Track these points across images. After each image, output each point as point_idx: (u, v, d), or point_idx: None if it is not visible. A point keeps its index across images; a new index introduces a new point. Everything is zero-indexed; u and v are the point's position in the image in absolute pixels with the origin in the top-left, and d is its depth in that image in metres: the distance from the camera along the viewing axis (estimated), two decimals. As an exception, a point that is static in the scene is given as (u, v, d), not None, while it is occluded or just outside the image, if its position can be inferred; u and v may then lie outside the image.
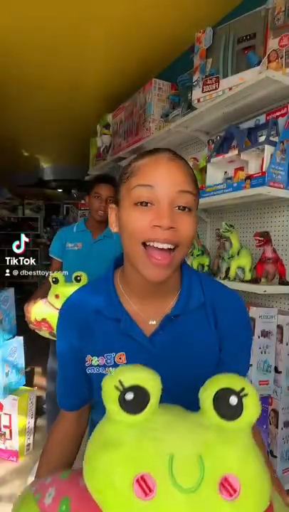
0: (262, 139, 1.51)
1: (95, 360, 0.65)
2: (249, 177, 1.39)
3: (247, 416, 0.39)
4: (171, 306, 0.66)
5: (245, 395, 0.40)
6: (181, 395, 0.47)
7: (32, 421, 2.10)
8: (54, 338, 1.61)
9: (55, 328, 1.49)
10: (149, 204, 0.57)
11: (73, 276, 1.51)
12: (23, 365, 2.15)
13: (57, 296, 1.49)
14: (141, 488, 0.35)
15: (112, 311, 0.65)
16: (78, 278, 1.51)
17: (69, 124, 3.73)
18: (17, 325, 2.17)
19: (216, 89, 1.65)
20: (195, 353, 0.65)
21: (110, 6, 1.97)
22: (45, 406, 2.12)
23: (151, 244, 0.56)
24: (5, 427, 2.02)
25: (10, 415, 2.00)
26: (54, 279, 1.50)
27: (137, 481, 0.35)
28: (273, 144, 1.40)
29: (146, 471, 0.35)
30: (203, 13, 1.97)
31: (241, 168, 1.62)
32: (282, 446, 1.46)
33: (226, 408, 0.39)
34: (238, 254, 1.53)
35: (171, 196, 0.56)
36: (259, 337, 1.39)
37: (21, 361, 2.13)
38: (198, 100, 1.74)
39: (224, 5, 1.92)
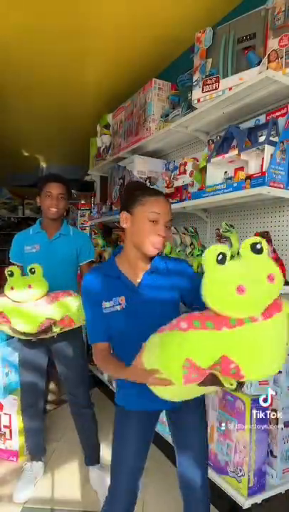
0: (262, 139, 1.51)
1: (107, 304, 1.09)
2: (249, 177, 1.39)
3: (265, 250, 0.80)
4: (148, 269, 1.14)
5: (261, 242, 0.80)
6: (156, 318, 0.93)
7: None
8: (13, 335, 1.62)
9: (12, 321, 1.51)
10: (155, 222, 1.08)
11: (28, 268, 1.56)
12: (23, 365, 2.15)
13: (12, 288, 1.53)
14: (239, 291, 0.74)
15: (114, 273, 1.13)
16: (33, 270, 1.55)
17: (69, 124, 3.72)
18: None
19: (216, 89, 1.65)
20: (162, 293, 1.13)
21: (110, 7, 1.97)
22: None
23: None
24: (5, 427, 2.02)
25: (10, 415, 2.00)
26: (10, 272, 1.54)
27: (238, 288, 0.74)
28: (273, 144, 1.40)
29: (241, 283, 0.74)
30: (203, 13, 1.97)
31: (241, 168, 1.62)
32: (282, 446, 1.46)
33: (256, 249, 0.79)
34: (238, 254, 1.53)
35: (165, 220, 1.09)
36: (259, 337, 1.39)
37: (21, 361, 2.13)
38: (198, 100, 1.74)
39: (224, 5, 1.92)
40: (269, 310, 0.78)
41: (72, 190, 2.38)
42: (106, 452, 2.01)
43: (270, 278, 0.76)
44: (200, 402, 1.19)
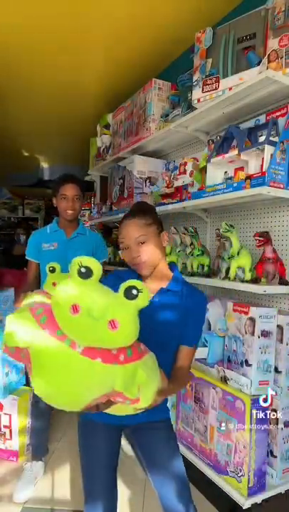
0: (262, 139, 1.51)
1: None
2: (249, 177, 1.39)
3: (140, 301, 0.74)
4: (164, 286, 1.15)
5: (141, 291, 0.74)
6: (159, 336, 1.01)
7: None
8: None
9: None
10: (127, 248, 1.14)
11: (47, 268, 1.44)
12: (23, 365, 2.15)
13: (54, 284, 1.48)
14: (73, 309, 0.70)
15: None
16: (51, 269, 1.44)
17: (69, 124, 3.72)
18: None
19: (216, 89, 1.65)
20: (170, 314, 1.12)
21: (110, 7, 1.97)
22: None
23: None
24: (5, 427, 2.02)
25: (10, 415, 2.00)
26: (51, 268, 1.48)
27: (72, 306, 0.70)
28: (273, 144, 1.40)
29: (79, 303, 0.71)
30: (203, 13, 1.97)
31: (241, 168, 1.62)
32: (282, 446, 1.46)
33: (129, 294, 0.74)
34: (238, 254, 1.53)
35: (133, 242, 1.12)
36: (259, 337, 1.39)
37: (21, 361, 2.13)
38: (198, 100, 1.74)
39: (224, 5, 1.92)
40: (94, 351, 0.72)
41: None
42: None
43: (112, 324, 0.70)
44: (165, 421, 1.17)
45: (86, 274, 0.73)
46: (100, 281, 1.05)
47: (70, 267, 0.74)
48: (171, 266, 1.21)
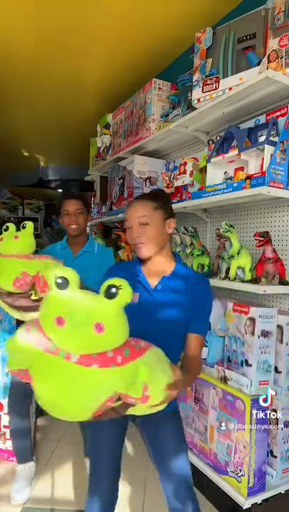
0: (262, 139, 1.51)
1: None
2: (249, 177, 1.39)
3: (120, 298, 0.73)
4: (168, 273, 1.16)
5: (120, 287, 0.73)
6: (164, 324, 1.03)
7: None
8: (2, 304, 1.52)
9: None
10: (130, 228, 1.14)
11: (21, 224, 1.53)
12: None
13: (1, 239, 1.48)
14: (58, 322, 0.71)
15: (135, 271, 1.17)
16: (24, 225, 1.51)
17: (69, 124, 3.73)
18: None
19: (216, 89, 1.65)
20: (175, 299, 1.13)
21: (110, 7, 1.97)
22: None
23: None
24: (5, 427, 2.01)
25: (9, 416, 2.00)
26: (5, 227, 1.50)
27: (57, 318, 0.71)
28: (273, 144, 1.40)
29: (62, 315, 0.71)
30: (203, 13, 1.97)
31: (241, 168, 1.62)
32: (282, 446, 1.46)
33: (108, 292, 0.73)
34: (238, 254, 1.53)
35: (135, 222, 1.12)
36: (259, 337, 1.39)
37: (21, 361, 2.13)
38: (198, 100, 1.74)
39: (224, 5, 1.92)
40: (89, 358, 0.73)
41: (72, 191, 2.38)
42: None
43: (98, 327, 0.71)
44: (173, 411, 1.18)
45: (63, 284, 0.73)
46: (104, 274, 1.15)
47: (47, 275, 0.75)
48: (175, 255, 1.22)
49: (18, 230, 1.60)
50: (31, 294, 1.41)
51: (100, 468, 1.15)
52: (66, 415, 0.80)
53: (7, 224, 1.53)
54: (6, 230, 1.52)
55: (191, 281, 1.16)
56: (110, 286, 0.74)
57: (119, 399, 0.78)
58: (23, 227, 1.52)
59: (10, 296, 1.44)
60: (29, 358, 0.77)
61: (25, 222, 1.54)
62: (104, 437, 1.15)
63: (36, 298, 1.43)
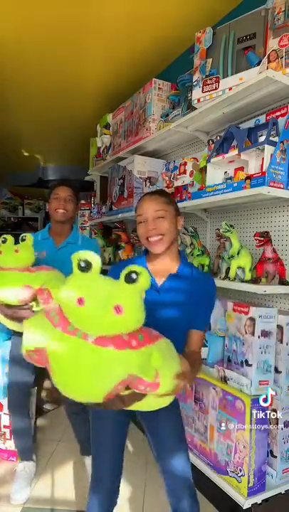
0: (262, 139, 1.51)
1: None
2: (249, 177, 1.39)
3: (140, 284, 0.78)
4: (174, 272, 1.17)
5: (140, 273, 0.78)
6: (169, 323, 0.97)
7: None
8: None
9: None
10: (144, 222, 1.15)
11: (20, 236, 1.53)
12: (23, 365, 2.15)
13: (0, 253, 1.48)
14: (78, 302, 0.73)
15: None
16: (24, 238, 1.52)
17: (69, 124, 3.72)
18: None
19: (216, 89, 1.65)
20: (181, 298, 1.14)
21: (110, 7, 1.97)
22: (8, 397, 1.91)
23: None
24: (5, 427, 2.02)
25: (10, 415, 2.00)
26: (3, 239, 1.50)
27: (78, 299, 0.74)
28: (273, 144, 1.40)
29: (84, 296, 0.74)
30: (203, 13, 1.97)
31: (241, 168, 1.62)
32: (282, 446, 1.46)
33: (129, 278, 0.78)
34: (238, 254, 1.53)
35: (151, 216, 1.13)
36: (259, 337, 1.39)
37: (21, 361, 2.13)
38: (198, 100, 1.74)
39: (224, 5, 1.92)
40: (105, 340, 0.76)
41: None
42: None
43: (117, 309, 0.74)
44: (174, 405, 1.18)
45: (86, 267, 0.77)
46: (107, 273, 1.07)
47: (72, 257, 0.79)
48: (180, 254, 1.24)
49: (16, 242, 1.63)
50: (32, 306, 1.43)
51: (102, 468, 1.16)
52: (79, 395, 0.81)
53: (4, 236, 1.52)
54: (4, 242, 1.51)
55: (196, 281, 1.17)
56: (131, 272, 0.77)
57: (128, 388, 0.80)
58: (23, 240, 1.52)
59: (9, 308, 1.46)
60: (47, 337, 0.79)
61: (24, 235, 1.54)
62: (108, 436, 1.16)
63: (38, 309, 1.45)
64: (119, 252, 2.59)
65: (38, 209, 6.43)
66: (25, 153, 4.96)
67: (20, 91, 3.04)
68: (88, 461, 1.89)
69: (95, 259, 0.77)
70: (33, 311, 1.44)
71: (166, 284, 1.15)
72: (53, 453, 2.05)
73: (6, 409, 2.00)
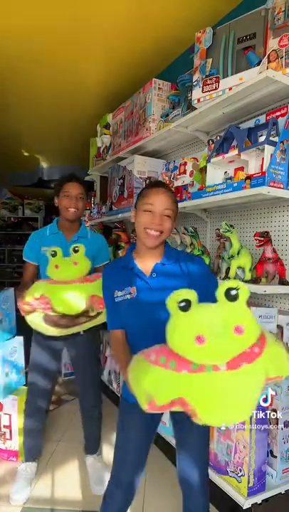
0: (262, 139, 1.51)
1: (119, 293, 1.16)
2: (249, 177, 1.39)
3: (242, 297, 0.78)
4: (160, 261, 1.17)
5: (238, 288, 0.78)
6: (164, 310, 0.84)
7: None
8: (40, 327, 1.55)
9: (53, 302, 1.46)
10: (150, 212, 1.12)
11: (72, 247, 1.56)
12: (23, 365, 2.15)
13: (57, 266, 1.51)
14: (198, 341, 0.74)
15: (129, 264, 1.18)
16: (76, 249, 1.56)
17: (69, 124, 3.73)
18: (17, 325, 2.16)
19: (216, 89, 1.65)
20: (172, 283, 1.12)
21: (110, 7, 1.97)
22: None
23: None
24: (5, 426, 2.02)
25: (10, 415, 2.00)
26: (53, 252, 1.53)
27: (197, 338, 0.74)
28: (273, 144, 1.40)
29: (201, 333, 0.75)
30: (203, 13, 1.97)
31: (241, 168, 1.62)
32: (282, 446, 1.46)
33: (230, 296, 0.77)
34: (238, 254, 1.53)
35: (160, 210, 1.12)
36: (259, 337, 1.39)
37: (21, 361, 2.13)
38: (198, 100, 1.74)
39: (224, 5, 1.92)
40: (236, 361, 0.77)
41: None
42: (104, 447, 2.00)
43: (238, 330, 0.75)
44: None
45: (186, 306, 0.78)
46: (105, 280, 1.19)
47: (167, 304, 0.80)
48: (165, 245, 1.26)
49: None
50: (88, 312, 1.53)
51: (127, 459, 1.19)
52: (233, 421, 0.85)
53: (54, 249, 1.54)
54: (54, 255, 1.54)
55: (184, 262, 1.17)
56: (229, 289, 0.78)
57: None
58: (76, 251, 1.56)
59: (64, 318, 1.52)
60: (177, 387, 0.78)
61: (77, 246, 1.57)
62: (136, 436, 1.19)
63: (94, 314, 1.56)
64: (119, 252, 2.59)
65: (38, 209, 6.43)
66: (25, 153, 4.96)
67: (20, 91, 3.04)
68: (89, 460, 1.90)
69: (192, 295, 0.78)
70: (90, 316, 1.54)
71: (154, 273, 1.15)
72: (53, 453, 2.05)
73: (6, 410, 2.01)
